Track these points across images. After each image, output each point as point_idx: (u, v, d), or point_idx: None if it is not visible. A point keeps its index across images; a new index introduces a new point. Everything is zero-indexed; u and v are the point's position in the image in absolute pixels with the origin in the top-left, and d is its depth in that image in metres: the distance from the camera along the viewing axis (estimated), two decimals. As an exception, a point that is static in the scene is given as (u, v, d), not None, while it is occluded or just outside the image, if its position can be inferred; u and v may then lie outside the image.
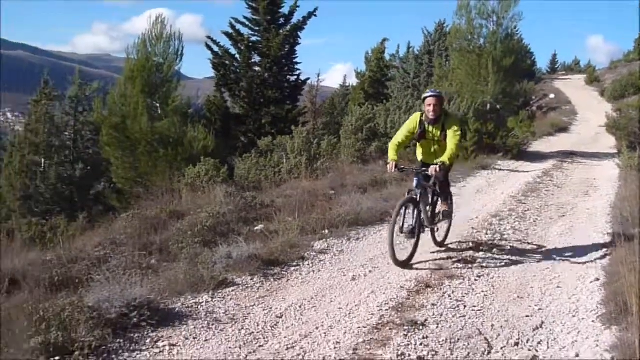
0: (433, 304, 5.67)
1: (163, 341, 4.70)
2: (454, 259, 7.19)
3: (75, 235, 9.33)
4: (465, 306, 5.65)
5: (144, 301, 5.06)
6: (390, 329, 5.06)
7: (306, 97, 26.44)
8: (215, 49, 22.70)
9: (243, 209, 8.93)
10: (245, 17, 23.07)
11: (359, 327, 5.08)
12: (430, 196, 7.27)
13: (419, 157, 7.37)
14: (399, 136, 7.08)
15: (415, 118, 7.08)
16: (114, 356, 4.40)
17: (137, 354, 4.48)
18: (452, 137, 6.75)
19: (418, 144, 7.31)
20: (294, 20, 23.50)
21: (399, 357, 4.51)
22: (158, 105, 17.84)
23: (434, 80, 26.73)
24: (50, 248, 7.88)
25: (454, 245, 7.88)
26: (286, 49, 23.30)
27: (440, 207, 7.46)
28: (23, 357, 4.14)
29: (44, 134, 23.54)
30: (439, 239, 7.63)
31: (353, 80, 36.53)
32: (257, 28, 23.14)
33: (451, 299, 5.82)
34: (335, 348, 4.66)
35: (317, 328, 5.07)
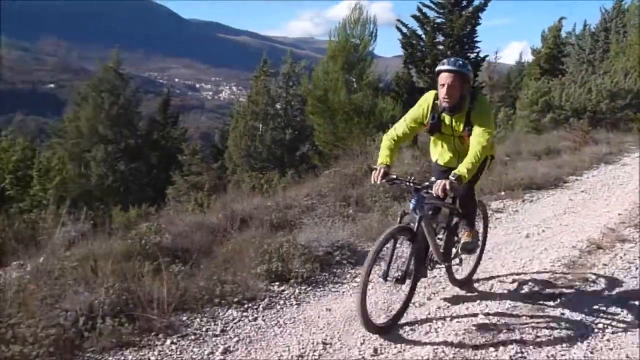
0: (604, 264, 5.25)
1: (360, 278, 4.86)
2: (626, 224, 6.56)
3: (286, 187, 9.88)
4: (636, 268, 5.14)
5: (344, 243, 5.28)
6: (562, 283, 4.78)
7: (484, 73, 25.39)
8: (404, 30, 22.46)
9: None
10: (431, 1, 22.55)
11: (532, 280, 4.86)
12: (445, 218, 4.43)
13: (434, 157, 4.43)
14: (400, 127, 4.08)
15: (426, 100, 4.02)
16: (321, 286, 4.66)
17: (339, 286, 4.70)
18: (477, 135, 3.78)
19: (432, 138, 4.33)
20: (476, 2, 22.52)
21: (571, 311, 4.25)
22: (354, 80, 18.29)
23: (610, 55, 24.40)
24: (267, 197, 8.42)
25: (625, 210, 7.19)
26: (467, 29, 22.46)
27: (461, 235, 4.38)
28: (251, 279, 4.53)
29: (262, 104, 25.24)
30: (460, 276, 4.66)
31: (528, 57, 34.18)
32: (441, 11, 22.51)
33: (622, 261, 5.34)
34: (509, 294, 4.51)
35: (492, 277, 4.94)
